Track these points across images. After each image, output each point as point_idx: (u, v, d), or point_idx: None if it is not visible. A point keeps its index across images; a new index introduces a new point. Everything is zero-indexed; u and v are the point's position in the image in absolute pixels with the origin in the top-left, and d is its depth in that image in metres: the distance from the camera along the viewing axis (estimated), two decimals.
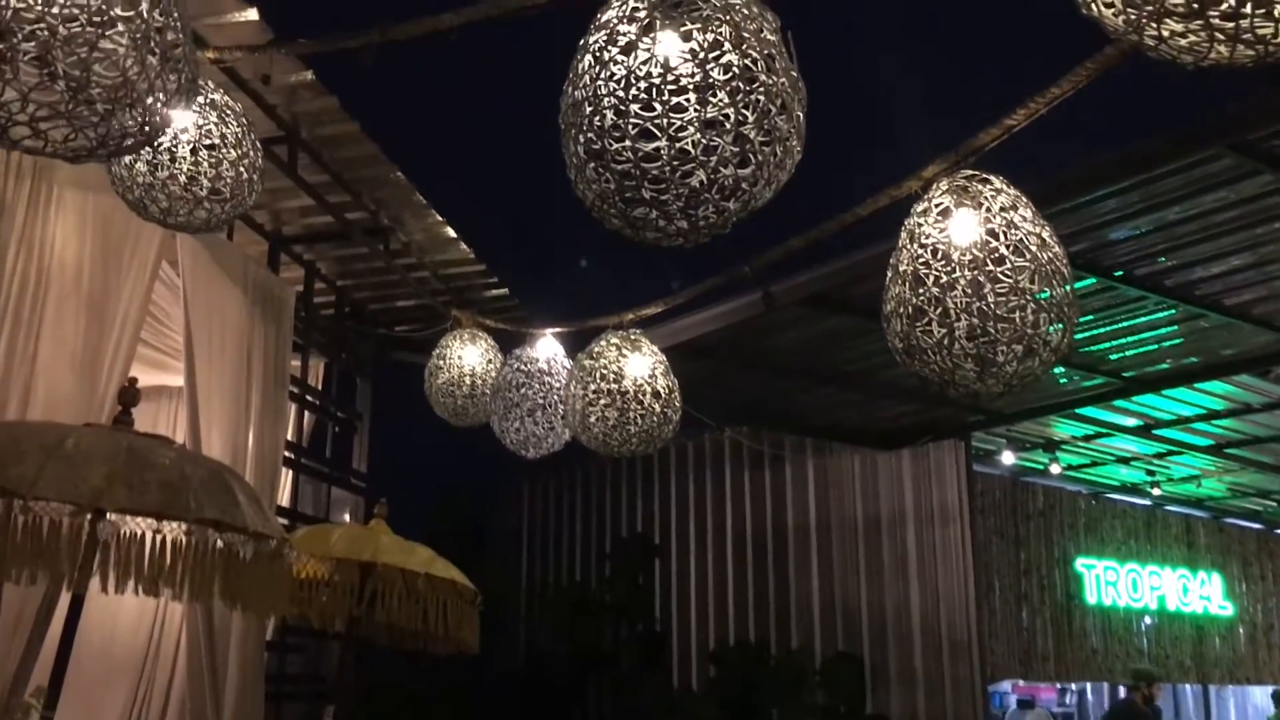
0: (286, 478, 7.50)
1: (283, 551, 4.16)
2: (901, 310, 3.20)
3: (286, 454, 7.17)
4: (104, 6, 2.46)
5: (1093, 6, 1.91)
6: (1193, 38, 1.84)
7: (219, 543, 3.94)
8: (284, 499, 7.47)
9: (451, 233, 7.77)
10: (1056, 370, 9.59)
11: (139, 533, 3.92)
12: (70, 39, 2.46)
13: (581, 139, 2.63)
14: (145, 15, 2.51)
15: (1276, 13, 1.81)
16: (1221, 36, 1.80)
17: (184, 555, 3.90)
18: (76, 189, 5.00)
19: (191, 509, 3.78)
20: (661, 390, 4.89)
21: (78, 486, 3.63)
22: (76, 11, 2.42)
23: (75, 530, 3.77)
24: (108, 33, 2.47)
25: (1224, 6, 1.78)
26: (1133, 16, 1.85)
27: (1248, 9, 1.76)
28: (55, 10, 2.39)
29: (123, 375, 4.87)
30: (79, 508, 3.73)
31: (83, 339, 4.97)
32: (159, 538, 3.91)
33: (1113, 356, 9.28)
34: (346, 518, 8.55)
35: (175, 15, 2.59)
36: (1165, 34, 1.85)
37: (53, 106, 2.53)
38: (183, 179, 3.56)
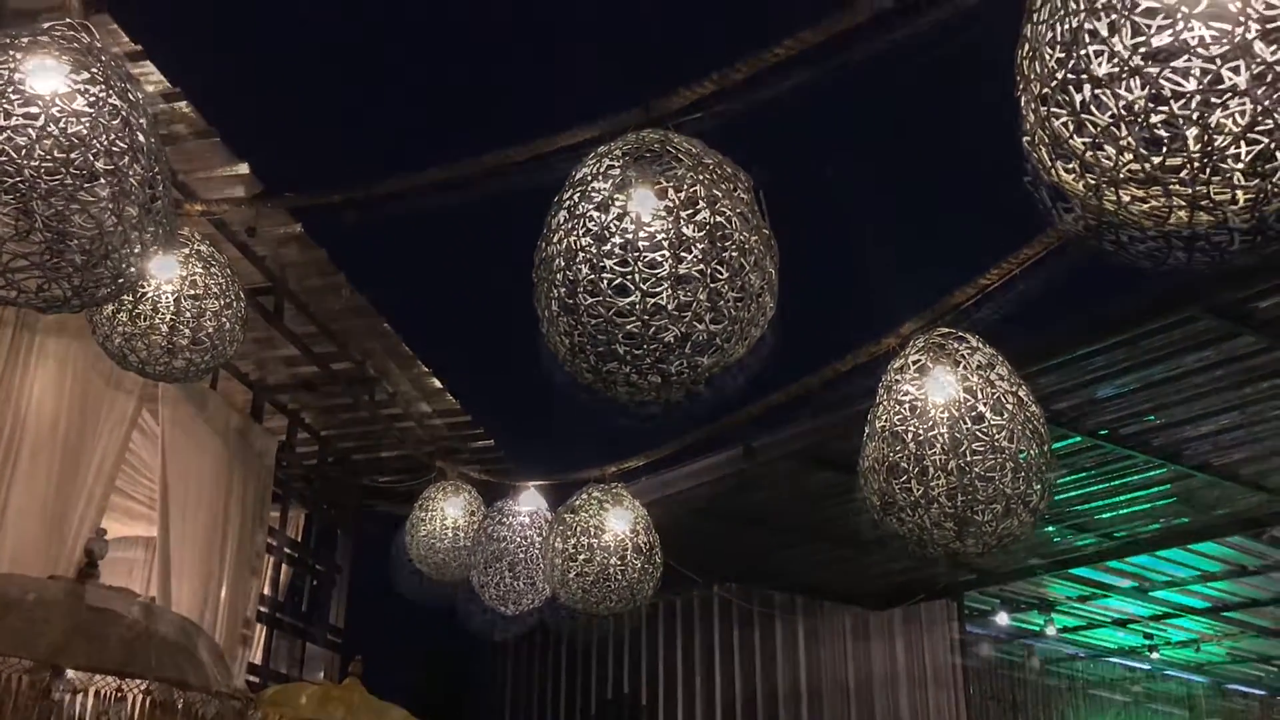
0: (260, 633, 7.30)
1: (246, 712, 4.02)
2: (878, 466, 3.17)
3: (261, 608, 7.00)
4: (86, 160, 2.48)
5: (1053, 173, 1.94)
6: (1152, 203, 1.86)
7: (180, 703, 3.82)
8: (256, 656, 7.25)
9: (438, 383, 7.77)
10: (1048, 529, 9.47)
11: (97, 690, 3.79)
12: (51, 192, 2.47)
13: (555, 293, 2.64)
14: (126, 169, 2.53)
15: (1235, 180, 1.83)
16: (1180, 202, 1.82)
17: (143, 715, 3.77)
18: (58, 337, 5.01)
19: (152, 667, 3.67)
20: (643, 546, 4.81)
21: (35, 642, 3.53)
22: (56, 165, 2.44)
23: (31, 688, 3.65)
24: (87, 185, 2.48)
25: (1181, 173, 1.80)
26: (1092, 183, 1.87)
27: (1205, 174, 1.77)
28: (34, 163, 2.41)
29: (93, 527, 4.79)
30: (37, 664, 3.61)
31: (55, 489, 4.90)
32: (117, 696, 3.78)
33: (1104, 515, 9.18)
34: (321, 675, 8.29)
35: (157, 170, 2.62)
36: (1125, 199, 1.87)
37: (28, 257, 2.53)
38: (164, 328, 3.56)
